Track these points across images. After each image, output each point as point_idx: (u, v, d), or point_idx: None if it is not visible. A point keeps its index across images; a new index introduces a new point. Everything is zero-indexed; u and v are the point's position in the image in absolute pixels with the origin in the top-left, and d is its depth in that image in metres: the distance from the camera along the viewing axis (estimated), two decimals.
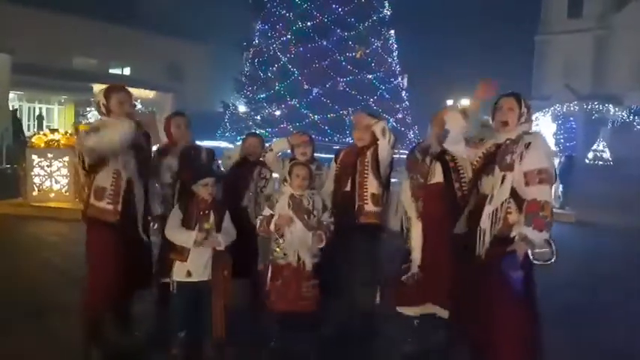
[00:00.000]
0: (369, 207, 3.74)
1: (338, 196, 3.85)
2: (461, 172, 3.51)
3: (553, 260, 2.77)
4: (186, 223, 3.43)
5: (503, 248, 2.85)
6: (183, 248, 3.43)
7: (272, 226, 3.42)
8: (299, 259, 3.41)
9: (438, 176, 3.56)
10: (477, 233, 3.01)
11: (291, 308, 3.41)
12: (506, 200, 2.92)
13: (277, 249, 3.46)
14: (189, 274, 3.43)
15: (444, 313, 3.51)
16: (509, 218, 2.91)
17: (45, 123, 25.53)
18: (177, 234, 3.42)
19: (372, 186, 3.76)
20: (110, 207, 3.34)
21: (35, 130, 21.65)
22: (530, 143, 2.90)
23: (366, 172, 3.79)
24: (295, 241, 3.39)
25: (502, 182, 2.96)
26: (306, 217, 3.42)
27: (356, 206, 3.75)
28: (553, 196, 3.13)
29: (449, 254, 3.36)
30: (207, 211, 3.47)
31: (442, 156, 3.55)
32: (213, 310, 3.51)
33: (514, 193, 2.91)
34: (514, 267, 2.79)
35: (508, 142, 3.01)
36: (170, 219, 3.50)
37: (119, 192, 3.36)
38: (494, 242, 2.92)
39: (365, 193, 3.75)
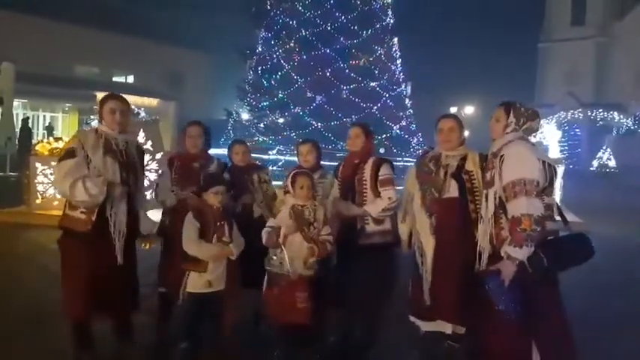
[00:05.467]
0: (371, 227, 3.56)
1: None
2: (476, 194, 3.31)
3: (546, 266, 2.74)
4: (204, 235, 3.39)
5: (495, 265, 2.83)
6: (200, 259, 3.38)
7: (281, 238, 3.34)
8: (294, 269, 3.31)
9: (453, 191, 3.37)
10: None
11: (284, 319, 3.33)
12: (492, 217, 2.90)
13: (274, 257, 3.40)
14: (209, 284, 3.39)
15: (455, 329, 3.44)
16: (502, 234, 2.85)
17: (55, 133, 25.53)
18: (204, 249, 3.37)
19: None
20: (83, 216, 3.22)
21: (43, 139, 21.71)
22: (503, 155, 2.88)
23: (364, 191, 3.60)
24: (292, 252, 3.33)
25: (487, 200, 2.95)
26: (305, 229, 3.35)
27: (358, 227, 3.59)
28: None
29: (463, 271, 3.21)
30: (222, 222, 3.44)
31: (460, 175, 3.38)
32: (224, 320, 3.48)
33: (504, 208, 2.84)
34: (500, 286, 2.74)
35: (491, 156, 3.02)
36: (185, 230, 3.40)
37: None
38: (492, 260, 2.89)
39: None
